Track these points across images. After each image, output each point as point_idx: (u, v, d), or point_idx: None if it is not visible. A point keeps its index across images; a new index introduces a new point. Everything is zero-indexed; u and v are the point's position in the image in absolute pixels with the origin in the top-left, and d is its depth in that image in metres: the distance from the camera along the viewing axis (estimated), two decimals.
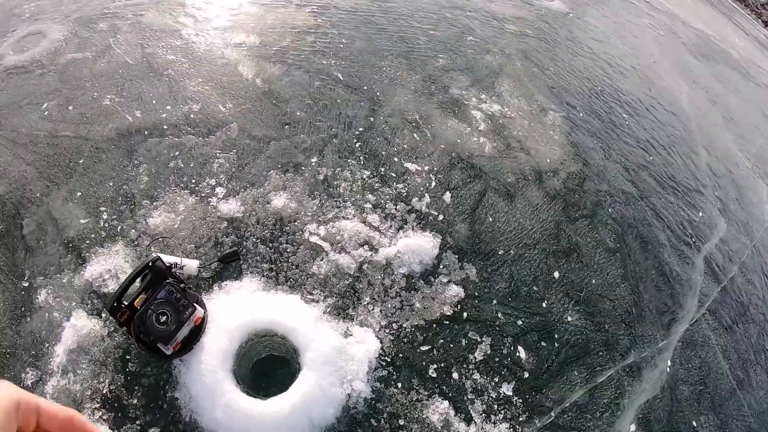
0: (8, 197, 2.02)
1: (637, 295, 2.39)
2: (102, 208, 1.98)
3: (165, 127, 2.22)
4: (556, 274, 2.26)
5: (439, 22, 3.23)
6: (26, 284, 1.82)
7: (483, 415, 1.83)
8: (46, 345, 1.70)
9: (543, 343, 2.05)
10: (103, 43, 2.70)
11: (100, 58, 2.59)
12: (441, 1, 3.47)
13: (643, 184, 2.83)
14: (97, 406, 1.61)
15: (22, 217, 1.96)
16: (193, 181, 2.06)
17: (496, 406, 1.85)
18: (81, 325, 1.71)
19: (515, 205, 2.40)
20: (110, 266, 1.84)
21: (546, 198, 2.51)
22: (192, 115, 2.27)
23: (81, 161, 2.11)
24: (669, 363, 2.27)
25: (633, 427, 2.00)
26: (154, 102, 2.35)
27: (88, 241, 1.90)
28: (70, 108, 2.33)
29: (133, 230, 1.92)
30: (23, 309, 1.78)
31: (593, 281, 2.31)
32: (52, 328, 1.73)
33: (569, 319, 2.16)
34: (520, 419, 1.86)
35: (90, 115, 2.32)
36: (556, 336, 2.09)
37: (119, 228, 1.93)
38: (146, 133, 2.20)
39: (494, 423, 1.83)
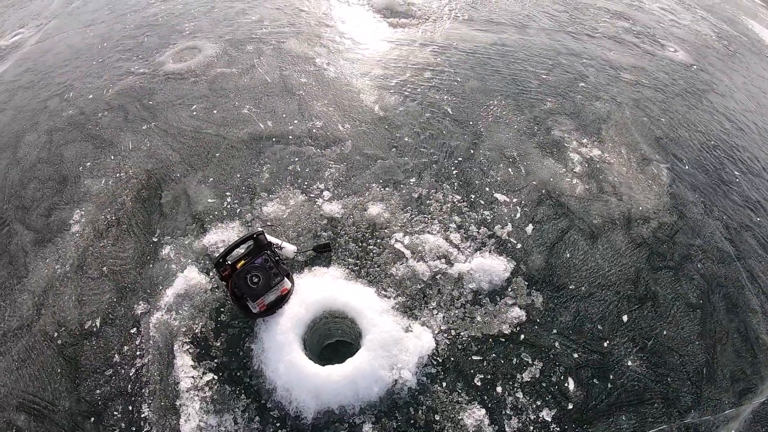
0: (154, 172, 2.57)
1: (712, 356, 2.15)
2: (227, 193, 2.43)
3: (290, 137, 2.66)
4: (625, 318, 2.17)
5: (554, 67, 3.29)
6: (155, 240, 2.31)
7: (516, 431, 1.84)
8: (160, 288, 2.14)
9: (595, 380, 1.99)
10: (248, 62, 3.25)
11: (244, 75, 3.14)
12: (559, 48, 3.52)
13: (744, 245, 2.54)
14: (188, 340, 1.98)
15: (162, 189, 2.48)
16: (306, 183, 2.44)
17: (531, 428, 1.85)
18: (191, 278, 2.13)
19: (596, 246, 2.36)
20: (225, 238, 2.27)
21: (631, 244, 2.41)
22: (314, 130, 2.69)
23: (217, 154, 2.61)
24: None
25: None
26: (284, 115, 2.81)
27: (211, 217, 2.35)
28: (215, 111, 2.88)
29: (249, 214, 2.34)
30: (148, 258, 2.25)
31: (664, 332, 2.16)
32: (168, 276, 2.17)
33: (629, 363, 2.05)
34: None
35: (230, 119, 2.83)
36: (611, 377, 2.01)
37: (238, 210, 2.37)
38: (274, 139, 2.66)
39: None
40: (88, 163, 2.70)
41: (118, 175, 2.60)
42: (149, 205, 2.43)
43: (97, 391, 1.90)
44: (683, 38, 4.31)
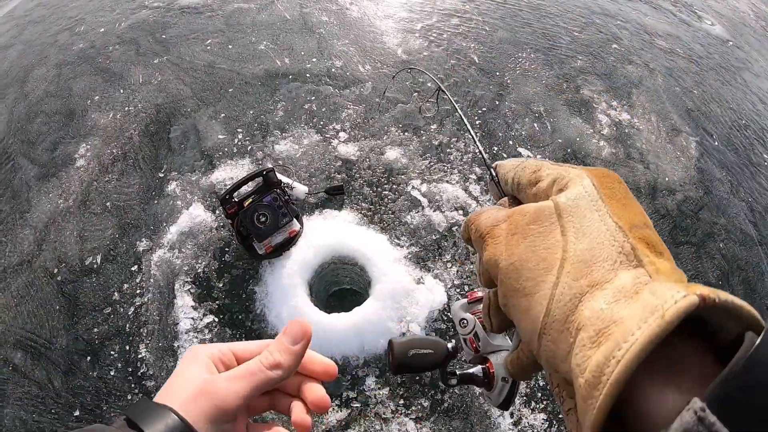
0: (164, 107, 2.24)
1: None
2: (239, 130, 2.11)
3: (308, 75, 2.29)
4: None
5: (587, 26, 2.83)
6: (161, 175, 2.02)
7: (524, 397, 1.62)
8: (164, 225, 1.89)
9: None
10: None
11: (263, 11, 2.73)
12: (593, 7, 3.04)
13: (767, 230, 2.22)
14: (189, 280, 1.74)
15: (171, 124, 2.17)
16: (322, 123, 2.11)
17: (539, 394, 1.63)
18: (196, 215, 1.86)
19: None
20: (233, 175, 1.97)
21: (655, 214, 2.10)
22: (333, 70, 2.31)
23: (230, 90, 2.27)
24: None
25: None
26: (302, 53, 2.43)
27: (220, 153, 2.05)
28: (230, 47, 2.51)
29: (261, 152, 2.03)
30: (153, 194, 1.98)
31: None
32: (173, 212, 1.91)
33: None
34: (559, 416, 1.62)
35: (245, 55, 2.47)
36: None
37: (249, 148, 2.06)
38: (290, 77, 2.29)
39: (532, 409, 1.62)
40: (97, 97, 2.38)
41: (126, 109, 2.29)
42: (157, 140, 2.13)
43: (95, 330, 1.68)
44: (721, 12, 3.77)
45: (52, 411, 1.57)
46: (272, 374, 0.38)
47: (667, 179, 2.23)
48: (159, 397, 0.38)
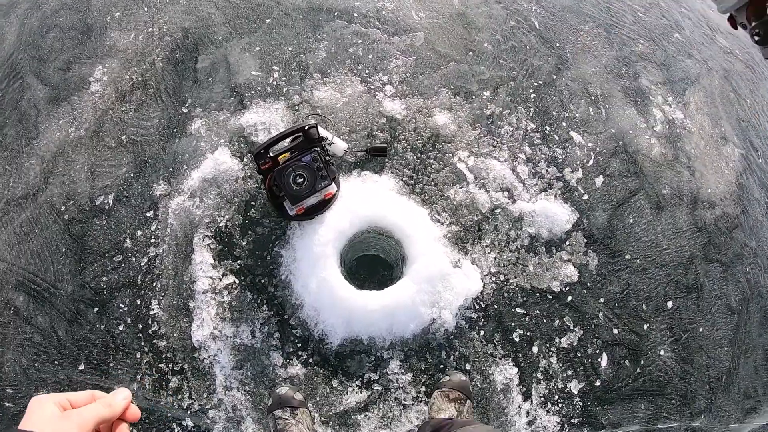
0: (192, 32, 1.75)
1: (734, 366, 1.66)
2: (275, 68, 1.66)
3: (355, 14, 1.79)
4: (670, 304, 1.60)
5: (651, 7, 2.29)
6: (185, 110, 1.61)
7: (542, 398, 1.39)
8: (185, 168, 1.51)
9: (627, 362, 1.49)
10: None
11: None
12: None
13: None
14: (210, 234, 1.41)
15: (199, 52, 1.70)
16: (367, 71, 1.65)
17: (556, 397, 1.40)
18: (222, 161, 1.47)
19: (660, 219, 1.70)
20: (266, 119, 1.55)
21: (692, 226, 1.76)
22: (384, 12, 1.80)
23: (268, 21, 1.76)
24: None
25: None
26: None
27: (253, 92, 1.62)
28: None
29: (297, 96, 1.60)
30: (175, 131, 1.57)
31: (700, 329, 1.62)
32: (195, 155, 1.52)
33: (662, 353, 1.55)
34: (572, 421, 1.40)
35: None
36: (642, 362, 1.52)
37: (285, 90, 1.62)
38: (336, 14, 1.79)
39: (547, 411, 1.39)
40: (117, 14, 1.86)
41: (150, 30, 1.79)
42: (182, 69, 1.67)
43: (104, 278, 1.36)
44: None
45: (55, 362, 1.29)
46: (108, 411, 0.49)
47: (709, 191, 1.86)
48: (23, 425, 0.44)
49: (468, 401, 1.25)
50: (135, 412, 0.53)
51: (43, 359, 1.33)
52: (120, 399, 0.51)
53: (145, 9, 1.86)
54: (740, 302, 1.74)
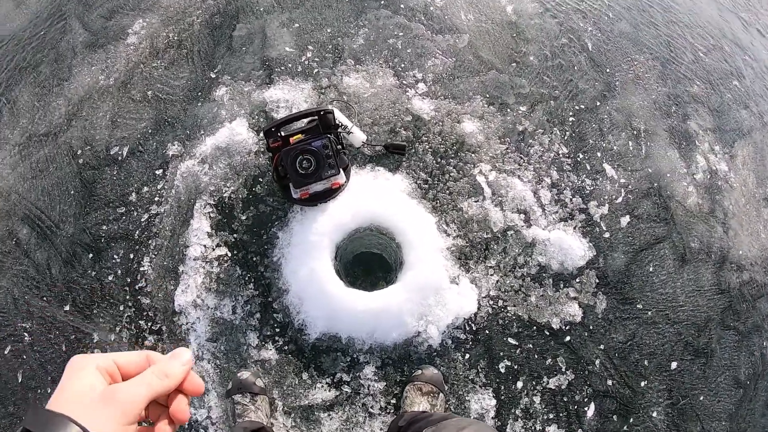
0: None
1: None
2: (310, 47, 1.57)
3: (402, 5, 1.68)
4: (674, 365, 1.45)
5: (714, 49, 2.08)
6: (213, 75, 1.54)
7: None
8: (201, 132, 1.45)
9: (615, 417, 1.35)
10: None
11: None
12: (726, 30, 2.24)
13: None
14: (212, 203, 1.34)
15: (239, 20, 1.63)
16: (402, 65, 1.55)
17: (543, 410, 1.27)
18: (238, 132, 1.40)
19: (682, 273, 1.54)
20: (290, 98, 1.47)
21: (715, 286, 1.58)
22: (431, 8, 1.69)
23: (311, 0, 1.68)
24: None
25: None
26: None
27: (282, 68, 1.54)
28: None
29: (326, 79, 1.51)
30: (199, 94, 1.52)
31: (701, 397, 1.46)
32: (214, 122, 1.46)
33: (654, 414, 1.40)
34: None
35: None
36: (631, 420, 1.37)
37: (315, 71, 1.54)
38: (382, 2, 1.68)
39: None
40: None
41: None
42: (218, 35, 1.62)
43: (104, 227, 1.33)
44: None
45: (44, 298, 1.27)
46: (164, 384, 0.38)
47: (740, 252, 1.67)
48: (55, 404, 0.34)
49: (441, 394, 1.17)
50: (197, 383, 0.40)
51: (33, 293, 1.31)
52: (179, 366, 0.38)
53: None
54: (749, 377, 1.56)
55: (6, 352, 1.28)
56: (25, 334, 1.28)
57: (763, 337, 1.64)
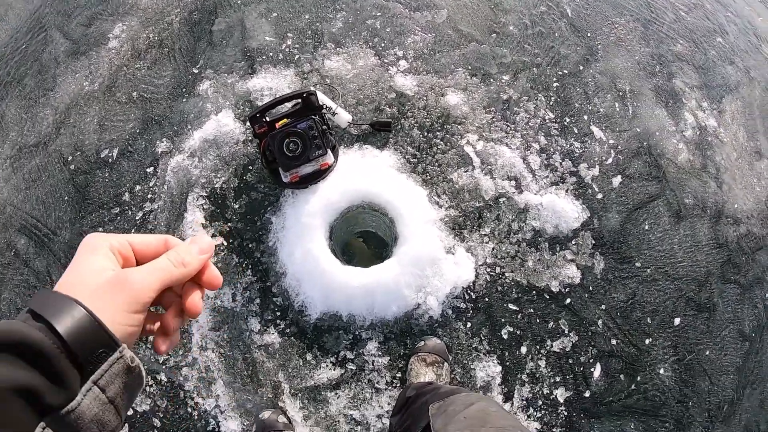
0: None
1: (739, 396, 1.49)
2: (289, 34, 1.58)
3: None
4: (677, 321, 1.45)
5: (696, 8, 2.08)
6: (196, 71, 1.55)
7: (524, 402, 1.28)
8: (188, 127, 1.46)
9: (621, 376, 1.36)
10: None
11: None
12: None
13: None
14: (204, 194, 1.35)
15: (217, 15, 1.63)
16: (383, 45, 1.55)
17: (540, 402, 1.29)
18: (224, 123, 1.41)
19: (678, 229, 1.54)
20: (273, 85, 1.48)
21: (712, 241, 1.58)
22: None
23: None
24: None
25: None
26: None
27: (264, 57, 1.55)
28: None
29: (308, 64, 1.52)
30: (184, 90, 1.52)
31: (707, 352, 1.46)
32: (200, 116, 1.46)
33: (661, 371, 1.40)
34: (553, 430, 1.29)
35: None
36: (638, 378, 1.38)
37: (297, 57, 1.54)
38: None
39: (528, 416, 1.28)
40: None
41: None
42: (198, 31, 1.62)
43: (100, 229, 1.35)
44: None
45: None
46: (179, 271, 0.35)
47: (735, 206, 1.67)
48: (63, 286, 0.33)
49: (446, 364, 1.18)
50: (215, 276, 0.37)
51: None
52: (197, 255, 0.35)
53: None
54: (754, 329, 1.56)
55: None
56: None
57: (765, 289, 1.64)
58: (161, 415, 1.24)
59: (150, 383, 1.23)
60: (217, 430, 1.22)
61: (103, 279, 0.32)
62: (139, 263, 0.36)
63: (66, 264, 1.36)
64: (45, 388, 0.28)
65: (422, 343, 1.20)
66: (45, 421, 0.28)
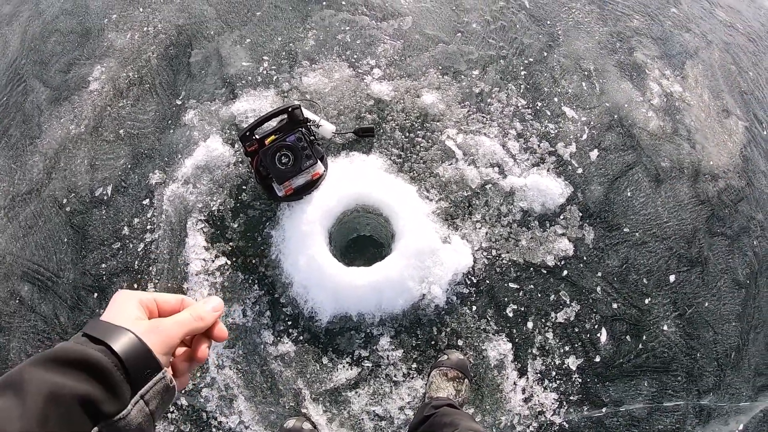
0: (185, 28, 1.79)
1: (744, 342, 1.59)
2: (265, 58, 1.68)
3: (343, 2, 1.80)
4: (672, 278, 1.55)
5: None
6: (179, 102, 1.64)
7: (538, 375, 1.35)
8: (179, 156, 1.54)
9: (628, 337, 1.44)
10: None
11: None
12: None
13: None
14: (203, 218, 1.42)
15: (192, 47, 1.74)
16: (355, 56, 1.66)
17: (554, 373, 1.37)
18: (213, 148, 1.49)
19: (659, 192, 1.65)
20: (256, 107, 1.57)
21: (694, 199, 1.69)
22: None
23: (258, 14, 1.79)
24: (741, 428, 1.51)
25: None
26: None
27: (243, 82, 1.64)
28: None
29: (287, 83, 1.62)
30: (170, 122, 1.61)
31: (706, 304, 1.56)
32: (189, 144, 1.55)
33: (665, 328, 1.49)
34: (570, 398, 1.36)
35: None
36: (644, 337, 1.46)
37: (275, 78, 1.64)
38: (324, 3, 1.80)
39: (545, 388, 1.35)
40: (114, 16, 1.93)
41: (145, 29, 1.84)
42: (176, 64, 1.71)
43: (103, 265, 1.40)
44: None
45: None
46: (197, 324, 0.43)
47: (711, 163, 1.79)
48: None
49: (466, 380, 1.23)
50: (223, 330, 0.45)
51: (46, 345, 1.36)
52: (211, 311, 0.44)
53: (141, 10, 1.92)
54: (748, 276, 1.67)
55: None
56: None
57: (753, 237, 1.75)
58: None
59: (171, 410, 1.28)
60: None
61: (142, 325, 0.40)
62: (160, 317, 0.44)
63: (73, 305, 1.41)
64: (102, 398, 0.35)
65: (445, 357, 1.24)
66: (99, 426, 0.35)
